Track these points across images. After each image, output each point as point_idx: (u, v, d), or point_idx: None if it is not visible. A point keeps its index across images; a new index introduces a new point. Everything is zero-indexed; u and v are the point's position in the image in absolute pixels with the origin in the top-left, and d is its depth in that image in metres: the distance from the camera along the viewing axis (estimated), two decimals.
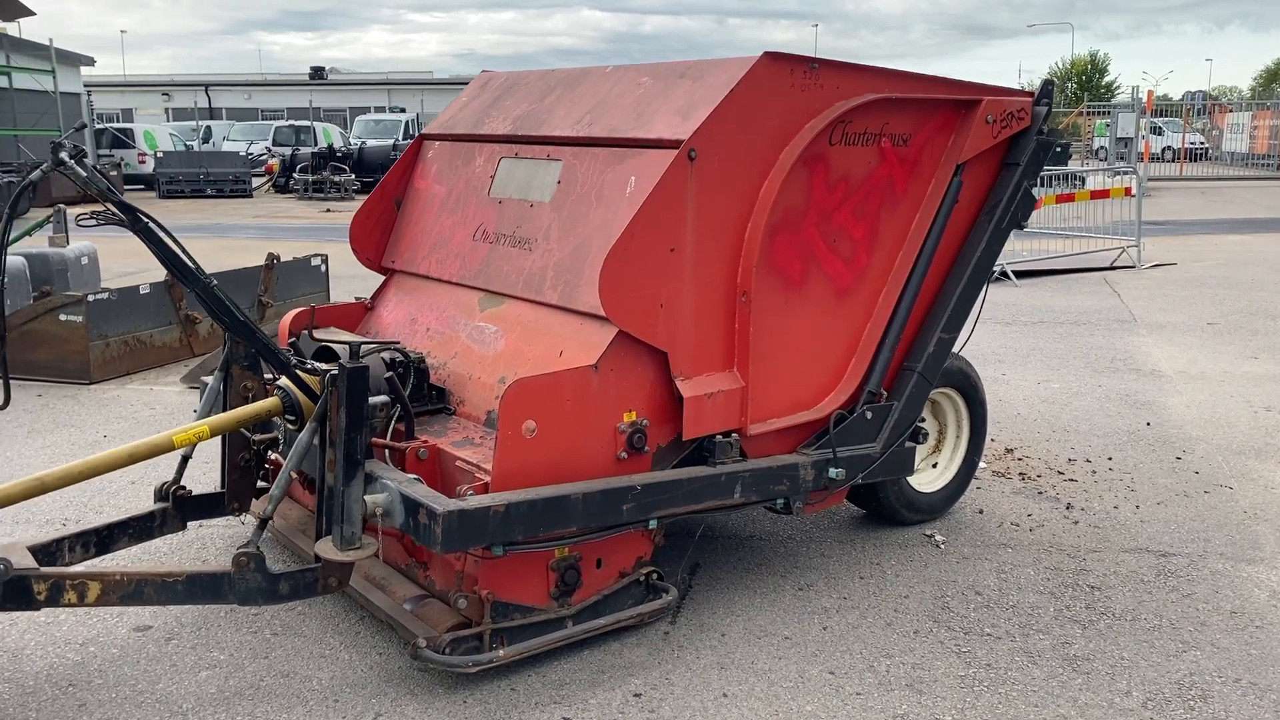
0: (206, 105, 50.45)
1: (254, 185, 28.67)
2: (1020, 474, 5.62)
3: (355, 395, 3.16)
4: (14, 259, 9.14)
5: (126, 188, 29.81)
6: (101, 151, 34.19)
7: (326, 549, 3.25)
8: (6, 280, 8.22)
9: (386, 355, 3.96)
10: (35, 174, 3.16)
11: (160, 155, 30.54)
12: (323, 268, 10.04)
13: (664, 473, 3.67)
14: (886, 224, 4.24)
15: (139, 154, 33.53)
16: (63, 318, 7.51)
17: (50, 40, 29.88)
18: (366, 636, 3.78)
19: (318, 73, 54.66)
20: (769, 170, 3.79)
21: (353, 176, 27.16)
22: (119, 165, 29.38)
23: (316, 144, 34.55)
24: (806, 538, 4.74)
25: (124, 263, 11.79)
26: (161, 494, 3.99)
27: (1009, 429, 6.47)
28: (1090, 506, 5.15)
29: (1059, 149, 4.61)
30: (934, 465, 4.98)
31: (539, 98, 4.51)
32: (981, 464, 5.72)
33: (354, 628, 3.84)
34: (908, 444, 4.40)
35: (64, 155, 3.09)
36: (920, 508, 4.82)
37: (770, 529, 4.82)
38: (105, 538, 3.75)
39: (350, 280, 9.47)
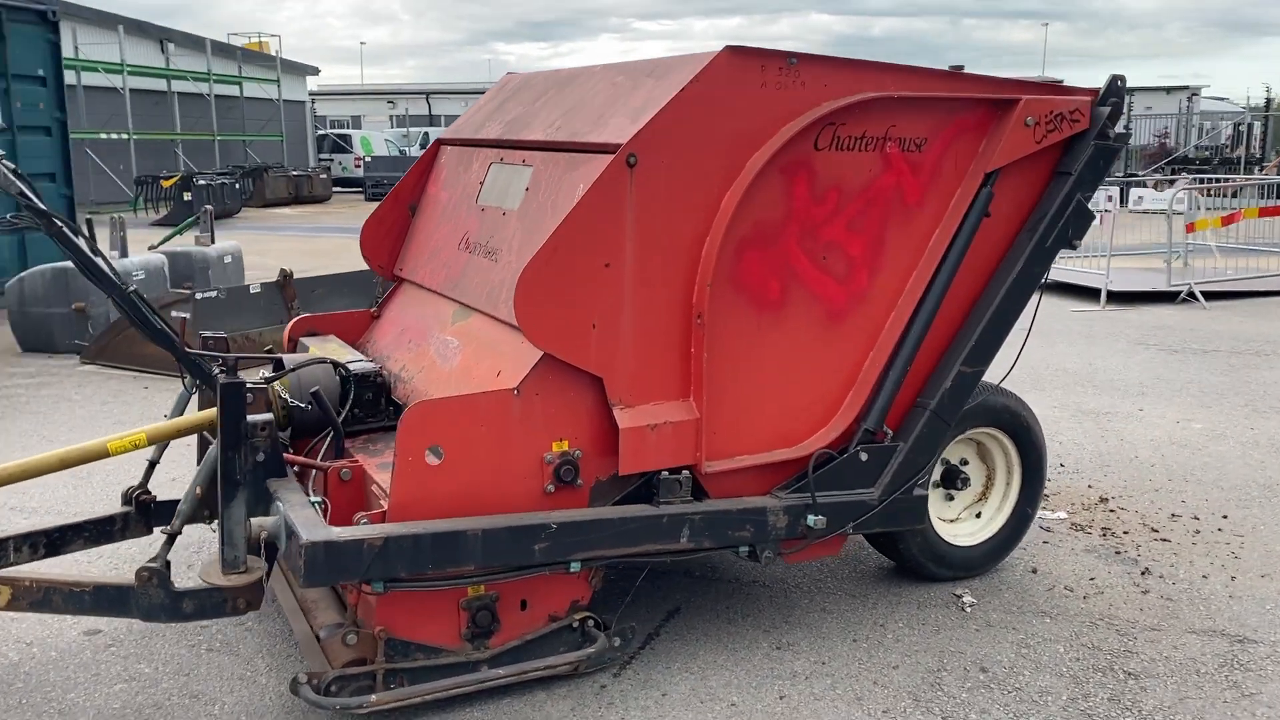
0: (427, 112, 52.96)
1: None
2: (1104, 529, 4.89)
3: (231, 412, 2.99)
4: (155, 256, 9.70)
5: (340, 190, 31.69)
6: (322, 155, 36.47)
7: (210, 572, 3.11)
8: (145, 276, 8.64)
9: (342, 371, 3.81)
10: None
11: (369, 160, 32.23)
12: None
13: (589, 510, 3.32)
14: (895, 240, 3.73)
15: (355, 159, 35.54)
16: (174, 314, 7.84)
17: (277, 52, 32.15)
18: (294, 661, 3.62)
19: None
20: (734, 178, 3.38)
21: None
22: (328, 169, 31.15)
23: None
24: (814, 586, 4.25)
25: (286, 263, 12.35)
26: (126, 498, 3.97)
27: (1116, 475, 5.68)
28: (1173, 574, 4.40)
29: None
30: (977, 515, 4.38)
31: (534, 99, 4.25)
32: (1061, 514, 5.04)
33: (287, 650, 3.70)
34: (917, 491, 3.86)
35: None
36: (953, 563, 4.23)
37: (779, 574, 4.36)
38: (56, 540, 3.73)
39: None
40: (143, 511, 3.98)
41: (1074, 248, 3.97)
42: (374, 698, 3.11)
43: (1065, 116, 3.86)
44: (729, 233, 3.38)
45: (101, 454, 3.50)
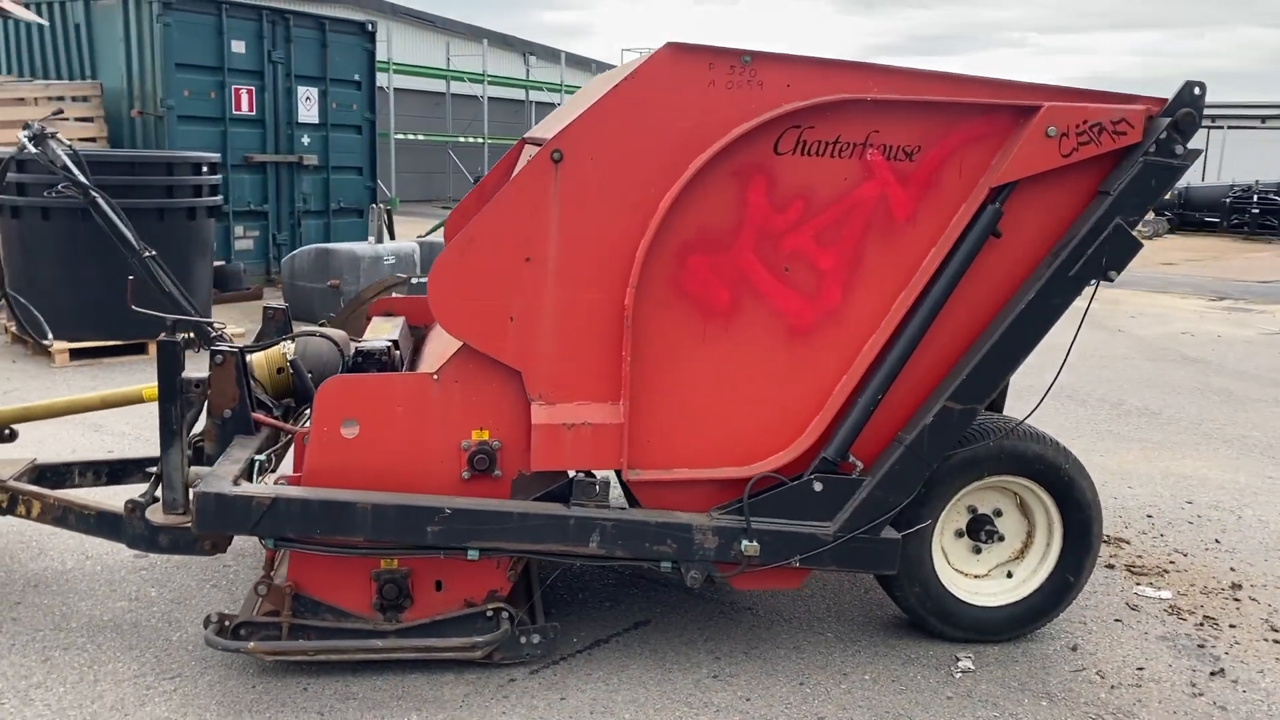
0: None
1: None
2: (1207, 618, 4.16)
3: (165, 369, 3.31)
4: (408, 244, 10.66)
5: None
6: None
7: (154, 512, 3.46)
8: (395, 261, 9.56)
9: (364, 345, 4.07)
10: (14, 152, 3.75)
11: None
12: None
13: (488, 501, 3.34)
14: (878, 257, 3.42)
15: None
16: (393, 294, 8.60)
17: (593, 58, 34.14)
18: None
19: None
20: (677, 180, 3.26)
21: None
22: None
23: None
24: (804, 622, 3.97)
25: None
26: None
27: (1244, 555, 4.80)
28: (1252, 682, 3.67)
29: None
30: (1008, 575, 3.89)
31: (579, 96, 4.30)
32: (1166, 593, 4.36)
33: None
34: (887, 533, 3.51)
35: (24, 137, 3.63)
36: (962, 623, 3.79)
37: (776, 603, 4.11)
38: (118, 470, 4.30)
39: None
40: (197, 454, 4.47)
41: (1109, 280, 3.43)
42: (250, 644, 3.32)
43: (1106, 128, 3.35)
44: (665, 235, 3.27)
45: (137, 399, 4.00)
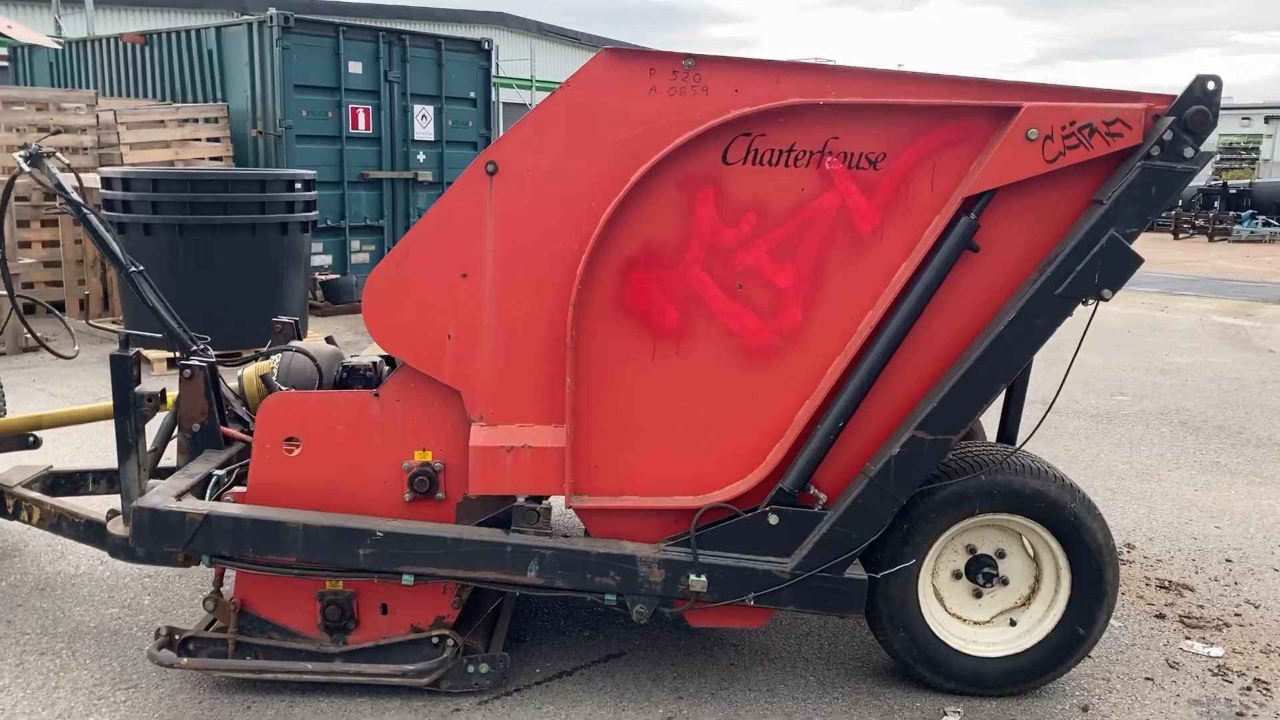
0: None
1: None
2: (1259, 680, 3.67)
3: (119, 383, 3.35)
4: None
5: None
6: None
7: (115, 524, 3.51)
8: None
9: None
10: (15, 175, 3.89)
11: None
12: None
13: (422, 525, 3.23)
14: (842, 273, 3.16)
15: None
16: None
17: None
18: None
19: None
20: (617, 192, 3.09)
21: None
22: None
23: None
24: (787, 664, 3.70)
25: None
26: None
27: None
28: None
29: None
30: (1011, 623, 3.54)
31: None
32: (1218, 650, 3.89)
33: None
34: (854, 572, 3.23)
35: (20, 158, 3.76)
36: (955, 673, 3.46)
37: (758, 641, 3.86)
38: None
39: None
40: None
41: (1103, 299, 3.05)
42: (184, 661, 3.31)
43: (1098, 130, 2.99)
44: (607, 251, 3.10)
45: None
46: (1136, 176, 2.98)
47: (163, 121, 11.73)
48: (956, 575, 3.52)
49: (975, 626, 3.55)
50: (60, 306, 10.08)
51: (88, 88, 13.83)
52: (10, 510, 4.00)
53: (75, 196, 3.80)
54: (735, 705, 3.43)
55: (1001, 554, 3.51)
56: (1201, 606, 4.30)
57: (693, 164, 3.08)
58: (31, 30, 12.44)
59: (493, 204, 3.11)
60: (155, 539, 3.23)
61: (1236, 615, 4.22)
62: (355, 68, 11.84)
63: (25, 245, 10.22)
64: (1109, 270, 3.02)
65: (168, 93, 12.95)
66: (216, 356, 3.80)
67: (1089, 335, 3.46)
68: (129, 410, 3.38)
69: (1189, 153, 3.00)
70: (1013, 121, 3.00)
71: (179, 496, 3.27)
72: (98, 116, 11.37)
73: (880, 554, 3.35)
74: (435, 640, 3.37)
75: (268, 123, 11.57)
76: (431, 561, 3.21)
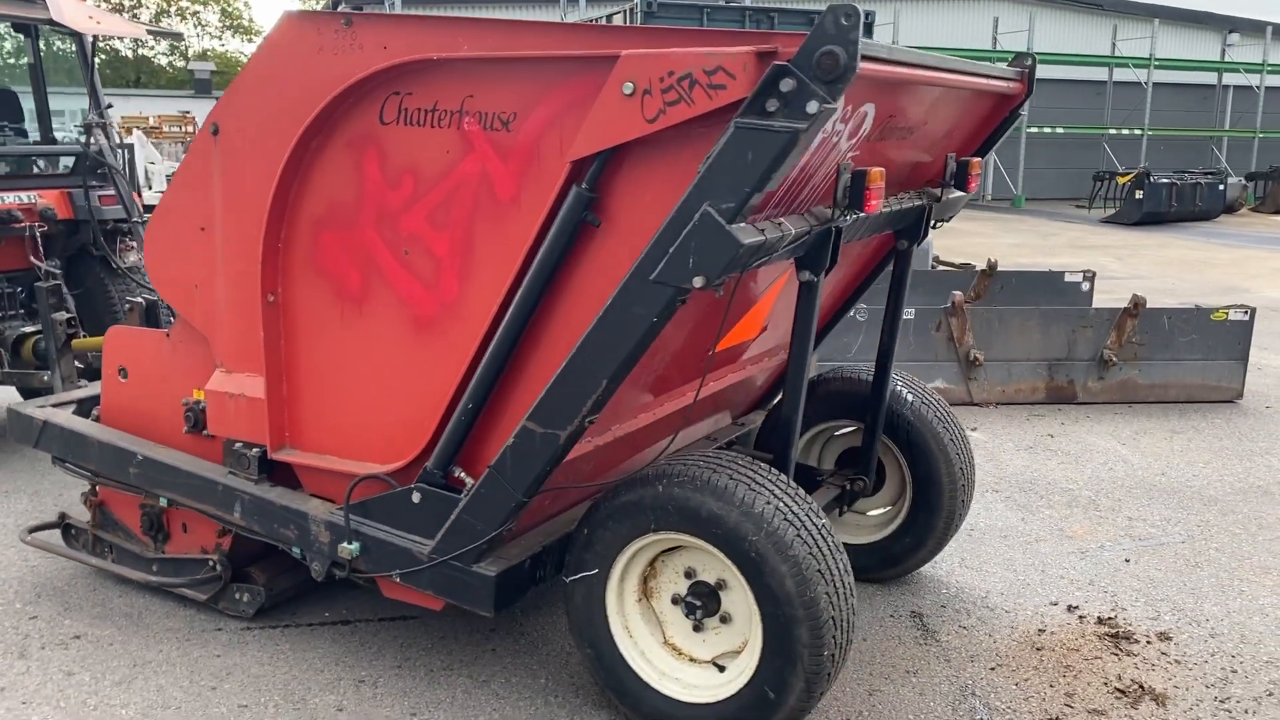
0: None
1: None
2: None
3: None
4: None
5: None
6: None
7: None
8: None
9: None
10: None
11: None
12: (1085, 285, 8.71)
13: (167, 452, 3.55)
14: (487, 244, 2.91)
15: None
16: None
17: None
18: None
19: None
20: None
21: None
22: None
23: None
24: (533, 647, 3.46)
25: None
26: None
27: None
28: None
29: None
30: (720, 669, 3.00)
31: None
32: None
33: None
34: (482, 568, 2.97)
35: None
36: (643, 709, 3.04)
37: (515, 624, 3.63)
38: None
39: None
40: None
41: (683, 292, 2.46)
42: (29, 537, 3.96)
43: (698, 81, 2.43)
44: (295, 209, 3.17)
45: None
46: (728, 139, 2.38)
47: None
48: (675, 601, 3.06)
49: (689, 664, 3.06)
50: None
51: None
52: None
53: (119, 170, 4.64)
54: (421, 678, 3.32)
55: (723, 585, 2.99)
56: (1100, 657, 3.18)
57: (357, 124, 3.02)
58: None
59: (218, 162, 3.31)
60: (16, 435, 3.93)
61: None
62: None
63: None
64: (701, 254, 2.45)
65: None
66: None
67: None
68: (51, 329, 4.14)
69: (814, 107, 2.32)
70: (609, 75, 2.54)
71: (55, 406, 3.95)
72: None
73: (569, 557, 3.05)
74: (210, 563, 3.70)
75: None
76: (174, 489, 3.55)
